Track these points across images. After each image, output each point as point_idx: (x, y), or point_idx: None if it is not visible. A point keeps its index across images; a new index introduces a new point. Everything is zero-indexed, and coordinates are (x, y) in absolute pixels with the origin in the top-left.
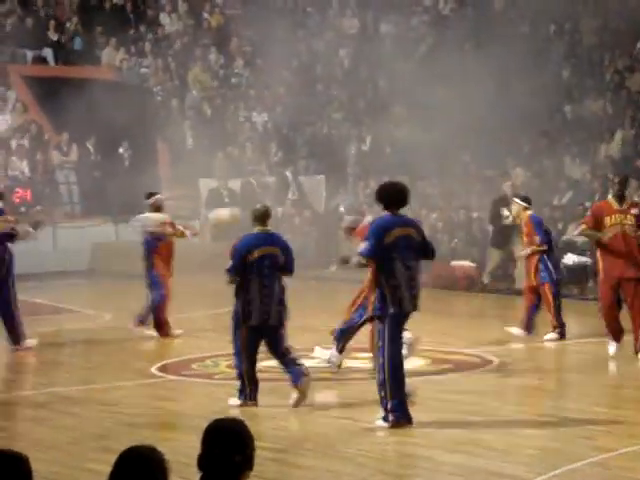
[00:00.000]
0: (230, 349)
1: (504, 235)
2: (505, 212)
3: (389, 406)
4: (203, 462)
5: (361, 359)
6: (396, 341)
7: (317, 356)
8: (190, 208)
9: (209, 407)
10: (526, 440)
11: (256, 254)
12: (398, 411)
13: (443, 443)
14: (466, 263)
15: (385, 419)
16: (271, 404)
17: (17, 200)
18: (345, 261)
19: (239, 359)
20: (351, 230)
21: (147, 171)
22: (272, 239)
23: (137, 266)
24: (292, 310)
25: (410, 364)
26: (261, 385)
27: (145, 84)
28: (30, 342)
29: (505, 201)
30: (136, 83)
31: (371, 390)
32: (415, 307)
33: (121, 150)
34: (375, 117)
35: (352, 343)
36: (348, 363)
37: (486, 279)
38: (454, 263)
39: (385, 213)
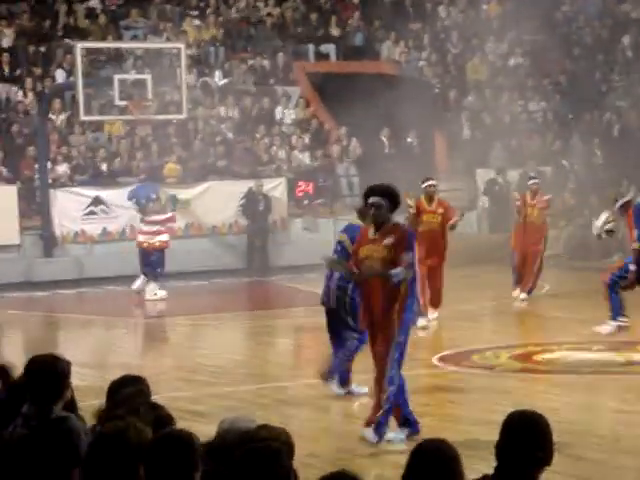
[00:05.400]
0: (511, 340)
1: None
2: None
3: None
4: (502, 452)
5: None
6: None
7: None
8: (467, 199)
9: (491, 398)
10: None
11: None
12: None
13: None
14: None
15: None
16: (554, 397)
17: (300, 194)
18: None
19: None
20: None
21: (425, 162)
22: None
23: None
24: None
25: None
26: (543, 378)
27: (423, 77)
28: None
29: None
30: (415, 76)
31: None
32: None
33: (409, 139)
34: None
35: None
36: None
37: None
38: None
39: None
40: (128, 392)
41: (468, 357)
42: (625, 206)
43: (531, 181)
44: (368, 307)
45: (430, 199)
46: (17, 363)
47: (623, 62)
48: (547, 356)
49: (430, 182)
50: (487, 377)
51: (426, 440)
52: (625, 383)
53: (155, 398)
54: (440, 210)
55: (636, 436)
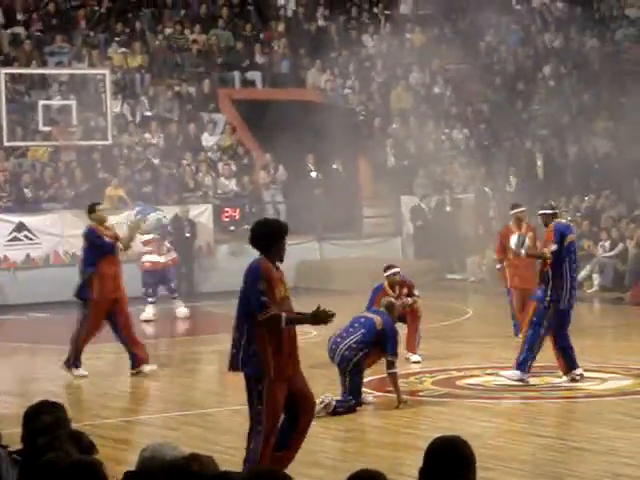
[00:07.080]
0: (435, 365)
1: None
2: None
3: None
4: (426, 478)
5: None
6: None
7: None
8: (392, 225)
9: (414, 424)
10: None
11: None
12: None
13: None
14: None
15: None
16: (477, 422)
17: (226, 219)
18: None
19: None
20: None
21: (350, 189)
22: None
23: (340, 283)
24: None
25: (616, 384)
26: (465, 403)
27: (348, 105)
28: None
29: None
30: (340, 104)
31: (578, 409)
32: None
33: (335, 166)
34: (580, 132)
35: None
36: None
37: None
38: None
39: None
40: (48, 420)
41: None
42: (544, 217)
43: (517, 209)
44: (284, 356)
45: (393, 287)
46: None
47: (544, 91)
48: (470, 381)
49: (394, 270)
50: (411, 402)
51: (361, 470)
52: (545, 407)
53: (78, 425)
54: (404, 290)
55: (556, 461)
